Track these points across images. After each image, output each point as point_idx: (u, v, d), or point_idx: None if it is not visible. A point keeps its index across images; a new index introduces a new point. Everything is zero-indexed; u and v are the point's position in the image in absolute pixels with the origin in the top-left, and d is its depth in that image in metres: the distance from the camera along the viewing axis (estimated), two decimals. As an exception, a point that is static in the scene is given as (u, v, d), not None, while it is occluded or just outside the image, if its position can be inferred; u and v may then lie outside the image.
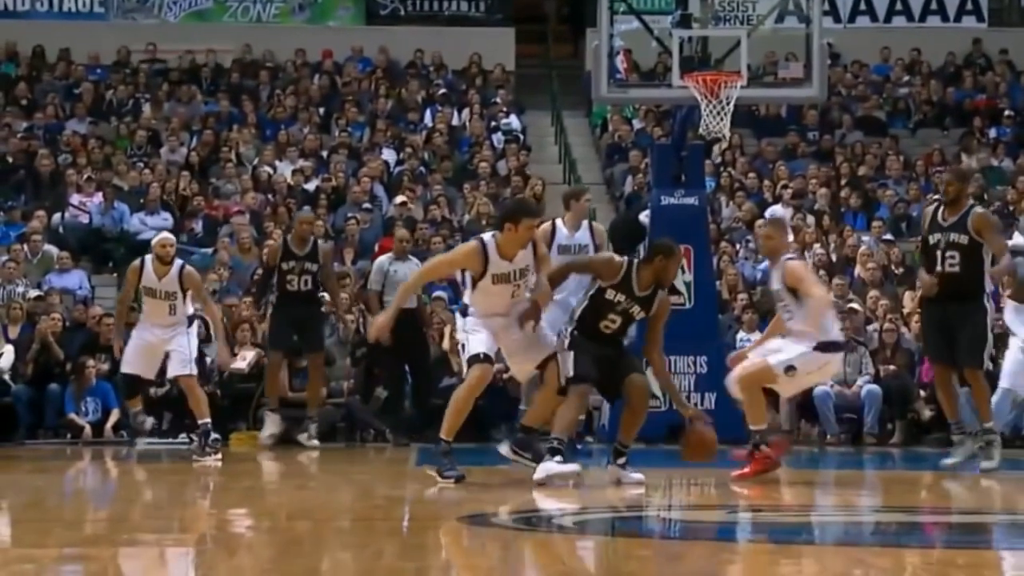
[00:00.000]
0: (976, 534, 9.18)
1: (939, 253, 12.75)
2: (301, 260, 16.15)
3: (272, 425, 16.16)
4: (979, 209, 13.20)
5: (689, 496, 11.71)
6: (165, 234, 15.07)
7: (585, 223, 14.29)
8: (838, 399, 17.50)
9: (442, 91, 26.62)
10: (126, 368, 14.61)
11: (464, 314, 11.33)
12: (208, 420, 14.37)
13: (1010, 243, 18.09)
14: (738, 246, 21.18)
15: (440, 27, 28.75)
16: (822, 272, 19.82)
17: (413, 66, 27.74)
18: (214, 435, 14.32)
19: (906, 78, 27.76)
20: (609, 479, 11.48)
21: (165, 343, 14.43)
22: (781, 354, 11.76)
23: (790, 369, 11.72)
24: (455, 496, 10.61)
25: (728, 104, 15.51)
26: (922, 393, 17.40)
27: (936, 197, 18.21)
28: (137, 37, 27.58)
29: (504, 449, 11.48)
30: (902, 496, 11.92)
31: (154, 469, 14.32)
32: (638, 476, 11.43)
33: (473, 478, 11.34)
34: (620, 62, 16.82)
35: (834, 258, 20.64)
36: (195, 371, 14.64)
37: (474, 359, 11.04)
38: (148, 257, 14.54)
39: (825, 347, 11.74)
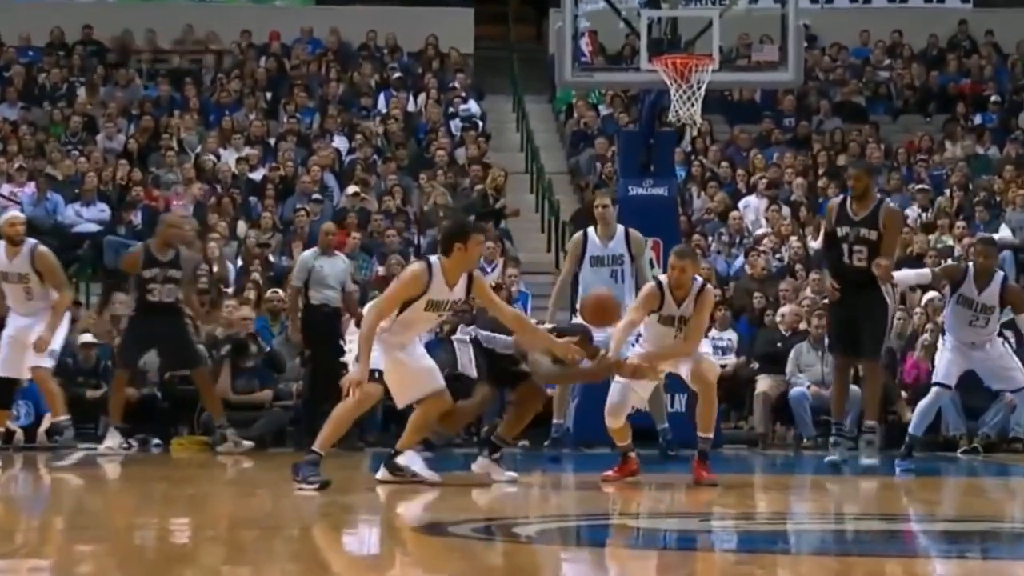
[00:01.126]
0: (959, 542, 9.22)
1: (846, 247, 13.42)
2: (164, 267, 15.80)
3: (112, 438, 15.79)
4: (890, 205, 14.10)
5: (659, 504, 11.72)
6: (15, 213, 15.12)
7: (620, 231, 14.42)
8: (814, 400, 17.52)
9: (397, 75, 26.59)
10: None
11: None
12: (62, 418, 14.49)
13: (996, 236, 18.26)
14: (710, 239, 21.23)
15: (394, 7, 28.75)
16: (799, 267, 19.91)
17: (366, 48, 27.70)
18: (68, 432, 14.36)
19: (887, 61, 27.86)
20: (478, 470, 11.92)
21: (27, 334, 14.46)
22: None
23: None
24: (411, 505, 10.60)
25: (699, 89, 15.52)
26: (903, 394, 17.45)
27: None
28: (72, 17, 27.43)
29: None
30: (881, 502, 11.96)
31: (91, 476, 14.25)
32: (511, 475, 11.81)
33: (429, 486, 11.36)
34: (585, 44, 16.83)
35: (811, 252, 20.69)
36: (50, 363, 14.66)
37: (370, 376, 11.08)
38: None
39: None
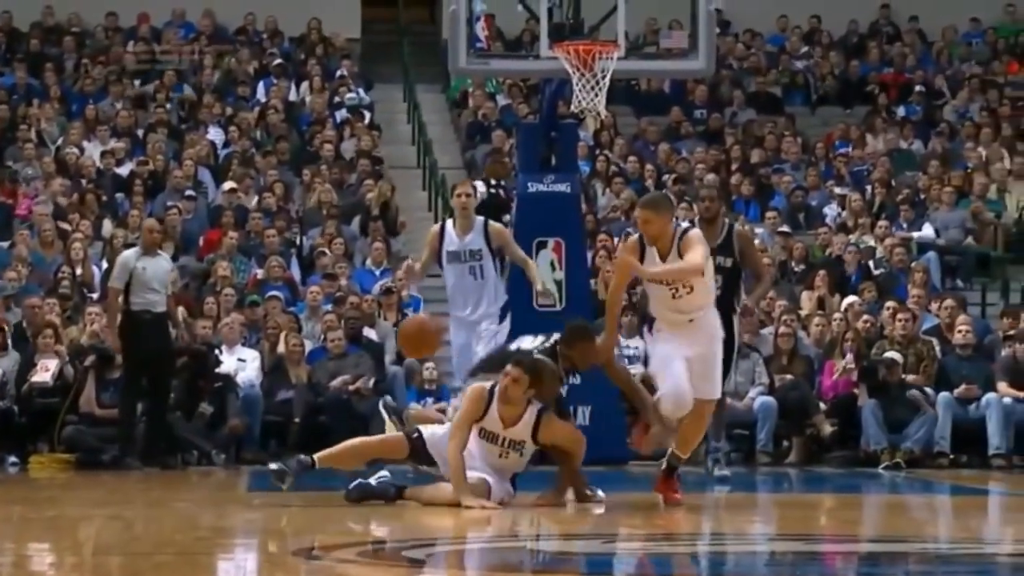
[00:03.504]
0: (884, 565, 9.32)
1: None
2: None
3: None
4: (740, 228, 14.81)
5: (562, 524, 11.76)
6: None
7: (479, 223, 14.36)
8: (730, 413, 17.62)
9: (277, 62, 26.52)
10: None
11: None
12: None
13: (916, 235, 18.52)
14: (616, 239, 21.31)
15: (275, -12, 28.64)
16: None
17: (243, 33, 27.61)
18: None
19: (804, 49, 28.13)
20: None
21: None
22: None
23: None
24: (290, 527, 10.59)
25: (604, 78, 15.56)
26: (822, 406, 17.61)
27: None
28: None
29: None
30: (800, 522, 12.06)
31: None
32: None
33: (314, 506, 11.37)
34: (481, 29, 16.85)
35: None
36: None
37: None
38: None
39: None
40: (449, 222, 14.60)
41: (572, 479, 11.88)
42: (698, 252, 11.30)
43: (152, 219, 18.06)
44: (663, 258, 11.31)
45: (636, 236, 11.63)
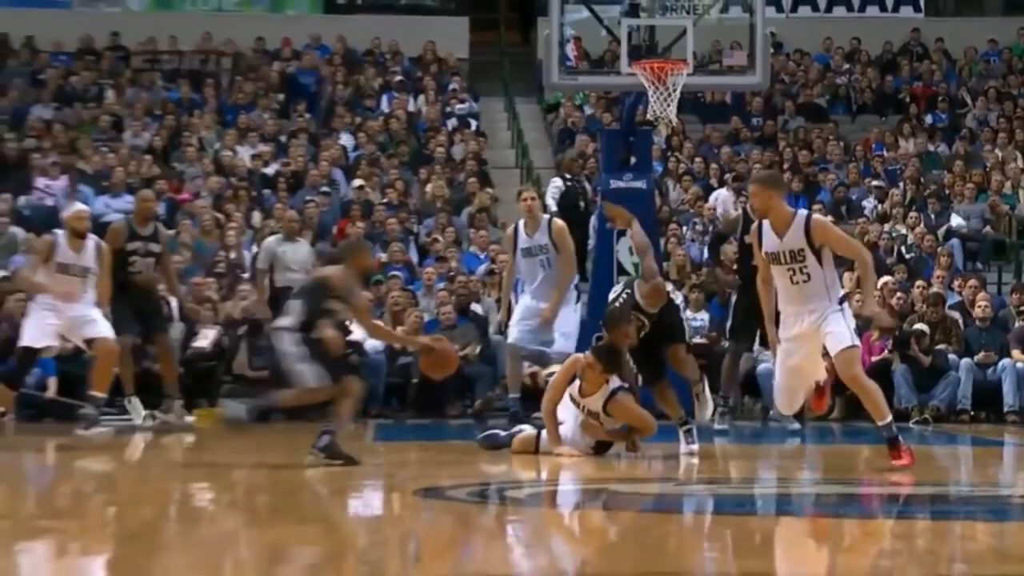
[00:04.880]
0: (914, 506, 9.24)
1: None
2: (145, 241, 15.14)
3: (135, 411, 15.06)
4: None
5: (636, 470, 11.72)
6: (80, 206, 14.15)
7: (545, 221, 14.28)
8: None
9: (398, 78, 26.54)
10: None
11: None
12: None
13: (947, 226, 18.26)
14: (685, 228, 21.22)
15: (396, 16, 28.68)
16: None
17: (370, 54, 27.65)
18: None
19: (846, 66, 27.85)
20: None
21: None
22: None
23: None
24: (409, 472, 10.61)
25: (675, 91, 15.50)
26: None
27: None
28: (100, 25, 27.37)
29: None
30: (843, 469, 11.98)
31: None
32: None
33: (429, 453, 11.36)
34: (571, 50, 16.79)
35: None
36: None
37: None
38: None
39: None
40: (520, 223, 14.38)
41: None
42: (841, 237, 10.66)
43: (292, 211, 18.14)
44: (780, 236, 10.38)
45: (755, 225, 10.68)
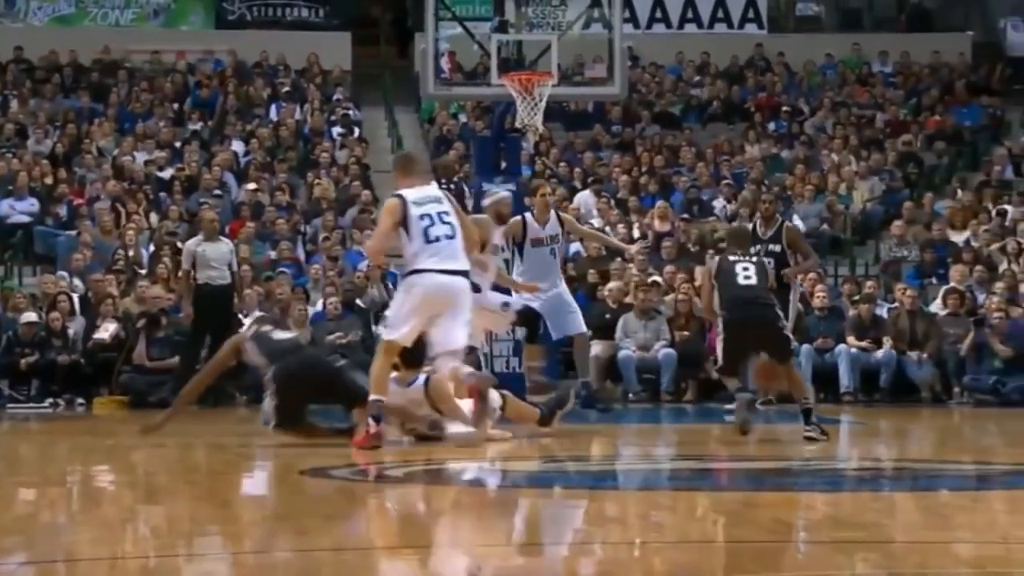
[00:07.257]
0: (760, 479, 9.35)
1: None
2: None
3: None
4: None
5: (504, 450, 11.73)
6: None
7: (553, 214, 14.29)
8: (639, 362, 17.70)
9: (286, 89, 26.37)
10: None
11: None
12: None
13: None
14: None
15: (283, 31, 28.48)
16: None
17: (259, 66, 27.44)
18: None
19: (697, 78, 28.10)
20: None
21: None
22: None
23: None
24: (297, 453, 10.55)
25: (541, 101, 15.53)
26: (711, 356, 17.62)
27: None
28: (4, 39, 26.87)
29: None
30: (694, 446, 12.09)
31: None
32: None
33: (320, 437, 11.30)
34: (445, 63, 16.79)
35: (636, 235, 20.85)
36: None
37: None
38: None
39: None
40: (527, 215, 14.29)
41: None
42: None
43: (211, 211, 17.97)
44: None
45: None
